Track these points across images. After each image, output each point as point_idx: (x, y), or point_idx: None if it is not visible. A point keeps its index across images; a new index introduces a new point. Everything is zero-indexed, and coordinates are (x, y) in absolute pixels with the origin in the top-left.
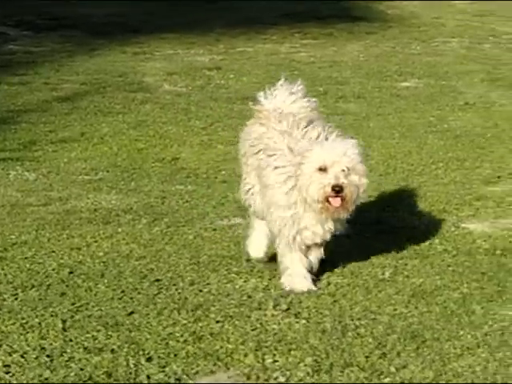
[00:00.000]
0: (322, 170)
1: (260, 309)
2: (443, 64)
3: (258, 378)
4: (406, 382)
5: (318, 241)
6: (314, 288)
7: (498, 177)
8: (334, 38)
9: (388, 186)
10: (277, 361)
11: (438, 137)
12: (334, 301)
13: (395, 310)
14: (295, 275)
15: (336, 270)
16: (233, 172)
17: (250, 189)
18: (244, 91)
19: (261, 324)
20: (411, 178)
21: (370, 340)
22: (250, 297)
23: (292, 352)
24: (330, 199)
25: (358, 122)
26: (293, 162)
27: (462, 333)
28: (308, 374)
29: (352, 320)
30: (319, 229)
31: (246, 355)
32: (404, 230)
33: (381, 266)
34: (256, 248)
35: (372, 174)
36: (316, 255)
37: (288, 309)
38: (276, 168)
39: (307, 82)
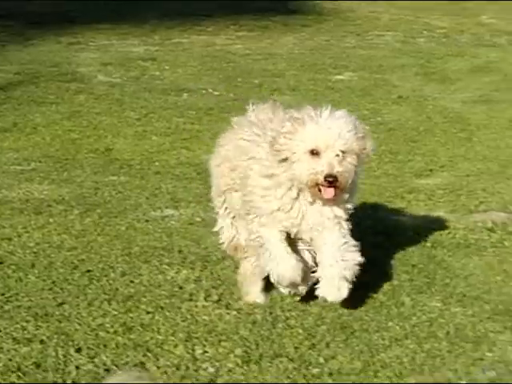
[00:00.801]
0: (314, 153)
1: (191, 300)
2: (377, 57)
3: (187, 368)
4: (334, 372)
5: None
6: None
7: (430, 170)
8: (269, 30)
9: None
10: (207, 352)
11: (372, 130)
12: (266, 292)
13: (325, 301)
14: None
15: None
16: (166, 163)
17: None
18: (179, 82)
19: (191, 315)
20: None
21: (300, 331)
22: (181, 288)
23: (222, 343)
24: (322, 189)
25: None
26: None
27: (390, 324)
28: (237, 364)
29: (282, 311)
30: (314, 214)
31: (175, 346)
32: None
33: None
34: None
35: None
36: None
37: (219, 300)
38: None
39: (242, 74)
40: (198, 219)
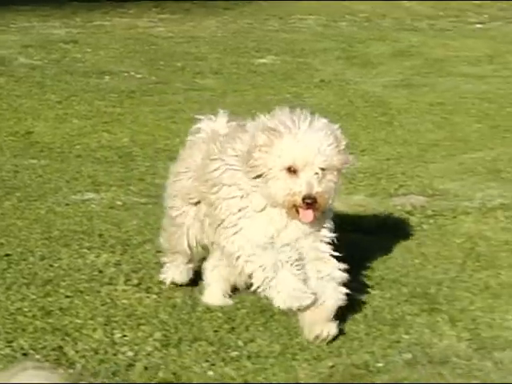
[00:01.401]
0: (292, 171)
1: (111, 284)
2: (300, 41)
3: (105, 352)
4: (252, 355)
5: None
6: None
7: (351, 153)
8: (191, 13)
9: None
10: (126, 335)
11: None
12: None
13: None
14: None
15: None
16: (87, 146)
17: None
18: (101, 65)
19: (111, 299)
20: None
21: (220, 314)
22: (101, 272)
23: (141, 327)
24: (300, 210)
25: (214, 97)
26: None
27: None
28: (156, 348)
29: (203, 295)
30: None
31: (94, 330)
32: None
33: None
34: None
35: None
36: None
37: (139, 284)
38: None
39: (165, 57)
40: (119, 203)
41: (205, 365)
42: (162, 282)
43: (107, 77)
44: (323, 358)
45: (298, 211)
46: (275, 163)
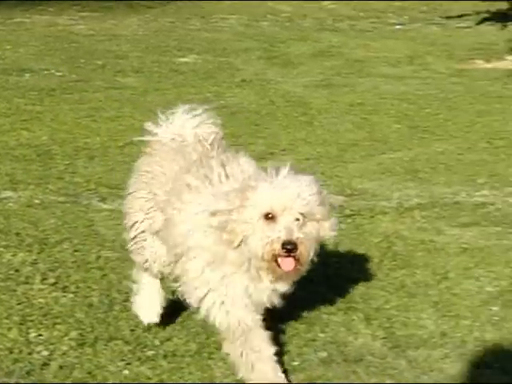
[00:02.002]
0: (270, 218)
1: (27, 283)
2: (221, 40)
3: (20, 351)
4: (169, 354)
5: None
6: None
7: (271, 153)
8: (113, 11)
9: None
10: (41, 335)
11: (215, 113)
12: (103, 275)
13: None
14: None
15: (107, 243)
16: (6, 144)
17: (142, 232)
18: (20, 62)
19: (27, 298)
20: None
21: None
22: (17, 271)
23: (57, 326)
24: (280, 260)
25: (136, 96)
26: (224, 204)
27: None
28: (72, 347)
29: (120, 294)
30: (262, 294)
31: (9, 329)
32: None
33: None
34: (148, 311)
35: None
36: None
37: (56, 283)
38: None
39: (85, 55)
40: (37, 201)
41: (120, 364)
42: (78, 281)
43: (27, 74)
44: None
45: (278, 264)
46: (252, 214)
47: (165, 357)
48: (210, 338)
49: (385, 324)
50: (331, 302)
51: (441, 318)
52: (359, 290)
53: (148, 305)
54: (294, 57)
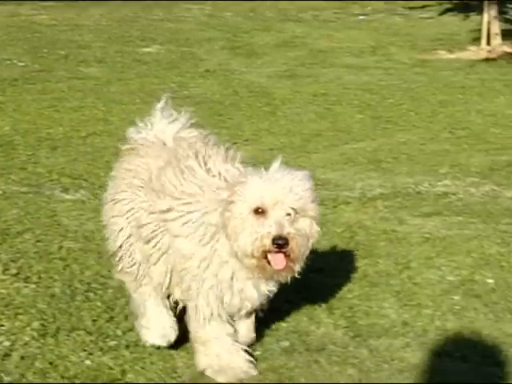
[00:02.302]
0: (260, 212)
1: None
2: (185, 30)
3: None
4: (131, 344)
5: (248, 308)
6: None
7: (235, 143)
8: (75, 1)
9: None
10: (3, 325)
11: (179, 103)
12: (66, 265)
13: None
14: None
15: (69, 234)
16: None
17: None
18: None
19: None
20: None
21: (99, 304)
22: None
23: (19, 316)
24: (270, 256)
25: (99, 86)
26: (216, 198)
27: None
28: (33, 337)
29: (82, 284)
30: (252, 292)
31: None
32: None
33: None
34: (160, 333)
35: (110, 138)
36: (246, 326)
37: (17, 273)
38: (182, 216)
39: (48, 45)
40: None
41: (82, 354)
42: (40, 272)
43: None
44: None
45: (268, 261)
46: (241, 209)
47: (127, 347)
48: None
49: (347, 313)
50: (293, 292)
51: (402, 307)
52: (321, 279)
53: (158, 326)
54: (258, 47)
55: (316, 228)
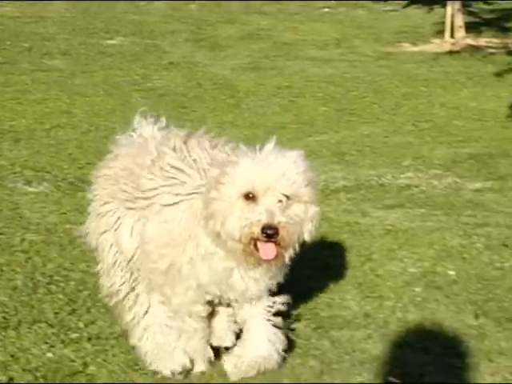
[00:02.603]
0: (250, 198)
1: None
2: (149, 23)
3: None
4: (93, 337)
5: (235, 299)
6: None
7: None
8: None
9: (90, 144)
10: None
11: (142, 95)
12: (28, 258)
13: (88, 266)
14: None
15: (31, 226)
16: None
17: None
18: None
19: None
20: (113, 135)
21: (61, 296)
22: None
23: None
24: (259, 244)
25: (62, 78)
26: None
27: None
28: None
29: (44, 277)
30: (238, 281)
31: None
32: None
33: (77, 223)
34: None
35: (74, 131)
36: (226, 321)
37: None
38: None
39: (11, 38)
40: None
41: (44, 347)
42: (2, 264)
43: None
44: None
45: (257, 248)
46: (230, 192)
47: (89, 339)
48: None
49: (309, 305)
50: None
51: (364, 298)
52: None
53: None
54: (222, 39)
55: (313, 210)
